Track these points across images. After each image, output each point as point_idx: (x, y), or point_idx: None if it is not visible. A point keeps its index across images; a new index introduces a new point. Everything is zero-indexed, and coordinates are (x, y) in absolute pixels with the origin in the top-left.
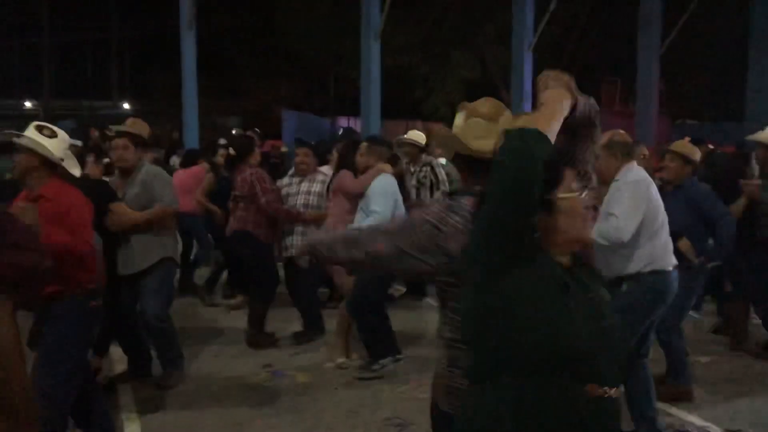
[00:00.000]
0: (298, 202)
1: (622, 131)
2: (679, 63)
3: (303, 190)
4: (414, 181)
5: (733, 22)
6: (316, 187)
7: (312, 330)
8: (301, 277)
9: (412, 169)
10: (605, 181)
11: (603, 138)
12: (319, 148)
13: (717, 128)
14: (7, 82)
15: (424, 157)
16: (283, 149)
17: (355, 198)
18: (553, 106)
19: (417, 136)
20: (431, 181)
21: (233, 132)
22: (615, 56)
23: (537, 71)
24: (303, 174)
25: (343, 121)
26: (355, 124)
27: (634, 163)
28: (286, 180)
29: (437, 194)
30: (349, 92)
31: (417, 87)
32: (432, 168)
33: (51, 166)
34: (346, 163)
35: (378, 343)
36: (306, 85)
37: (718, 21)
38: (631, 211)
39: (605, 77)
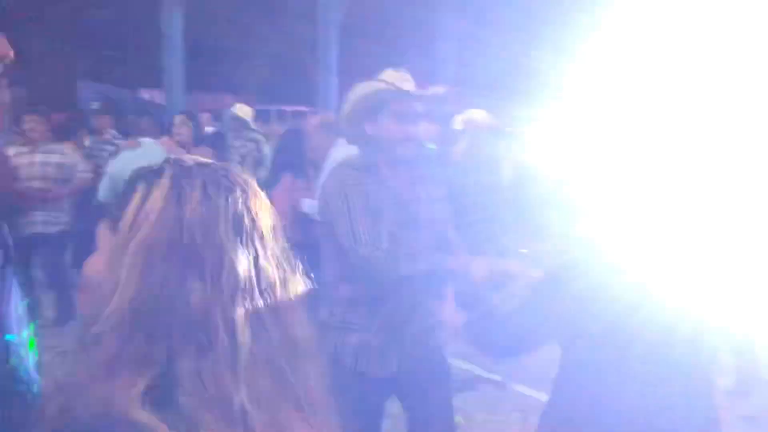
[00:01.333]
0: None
1: None
2: None
3: (37, 161)
4: (237, 157)
5: None
6: (54, 159)
7: None
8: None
9: (237, 144)
10: None
11: None
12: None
13: None
14: None
15: (248, 133)
16: None
17: None
18: None
19: (242, 111)
20: (254, 158)
21: None
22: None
23: (345, 47)
24: (33, 143)
25: (145, 94)
26: (159, 97)
27: None
28: (12, 150)
29: (261, 172)
30: (152, 63)
31: (225, 60)
32: (257, 144)
33: None
34: None
35: None
36: (105, 56)
37: None
38: None
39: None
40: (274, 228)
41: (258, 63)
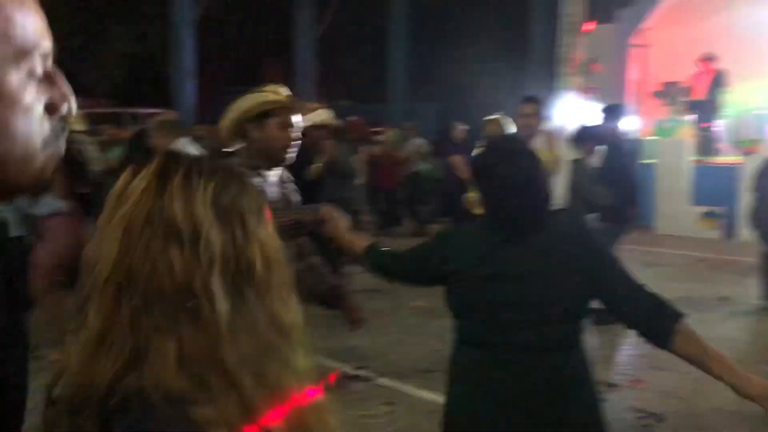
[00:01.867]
0: None
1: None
2: (329, 54)
3: None
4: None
5: (378, 8)
6: None
7: None
8: None
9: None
10: None
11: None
12: None
13: (366, 109)
14: None
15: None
16: None
17: None
18: None
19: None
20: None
21: None
22: (275, 36)
23: (200, 48)
24: None
25: None
26: None
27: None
28: None
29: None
30: None
31: (71, 60)
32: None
33: None
34: None
35: None
36: None
37: (365, 7)
38: None
39: (267, 56)
40: (258, 213)
41: (111, 65)
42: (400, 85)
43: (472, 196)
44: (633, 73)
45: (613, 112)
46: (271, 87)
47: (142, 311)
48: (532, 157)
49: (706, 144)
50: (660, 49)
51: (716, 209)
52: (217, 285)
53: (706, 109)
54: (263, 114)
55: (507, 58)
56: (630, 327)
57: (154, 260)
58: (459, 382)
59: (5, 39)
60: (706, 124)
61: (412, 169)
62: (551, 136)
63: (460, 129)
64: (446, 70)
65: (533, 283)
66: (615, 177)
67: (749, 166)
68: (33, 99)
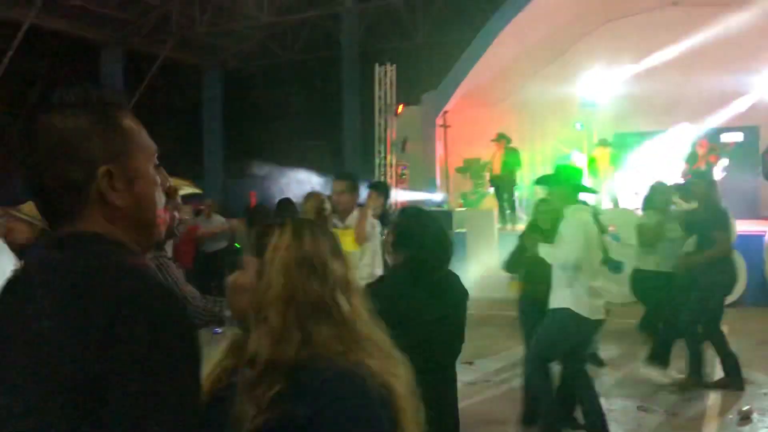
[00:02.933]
0: None
1: None
2: (143, 125)
3: None
4: None
5: (189, 90)
6: None
7: None
8: None
9: None
10: None
11: None
12: None
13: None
14: None
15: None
16: None
17: None
18: None
19: None
20: None
21: None
22: None
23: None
24: None
25: None
26: None
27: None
28: None
29: None
30: None
31: None
32: None
33: None
34: None
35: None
36: None
37: (175, 87)
38: None
39: None
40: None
41: None
42: (216, 161)
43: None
44: (439, 150)
45: (382, 187)
46: None
47: (302, 315)
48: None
49: (506, 213)
50: (461, 129)
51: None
52: (339, 296)
53: (502, 182)
54: None
55: (325, 136)
56: None
57: (303, 284)
58: None
59: (147, 145)
60: (504, 196)
61: (209, 248)
62: (364, 211)
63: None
64: (264, 147)
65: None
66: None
67: None
68: (157, 180)
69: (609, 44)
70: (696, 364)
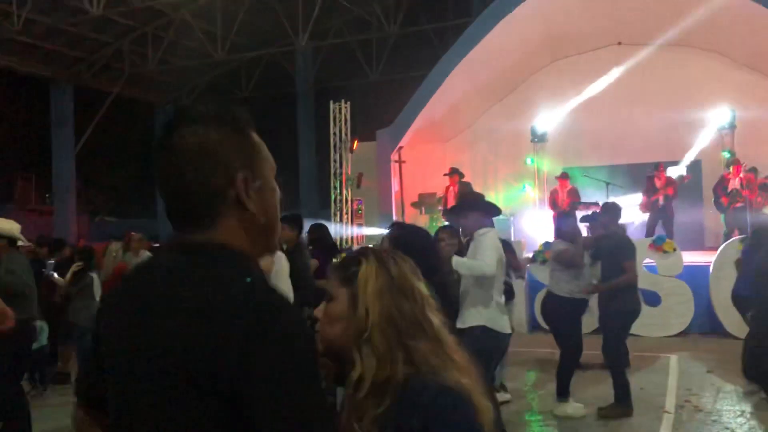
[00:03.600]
0: None
1: None
2: (94, 162)
3: None
4: None
5: (140, 125)
6: None
7: None
8: None
9: None
10: None
11: None
12: None
13: (134, 224)
14: None
15: None
16: None
17: None
18: None
19: None
20: None
21: None
22: (30, 152)
23: None
24: None
25: None
26: None
27: None
28: None
29: None
30: None
31: None
32: None
33: None
34: None
35: None
36: None
37: (127, 124)
38: None
39: (21, 173)
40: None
41: None
42: None
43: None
44: (395, 185)
45: (293, 220)
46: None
47: (402, 335)
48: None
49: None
50: (416, 164)
51: None
52: (429, 312)
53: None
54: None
55: (280, 173)
56: None
57: (398, 307)
58: None
59: (269, 157)
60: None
61: None
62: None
63: None
64: None
65: None
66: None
67: None
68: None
69: (557, 82)
70: (622, 392)
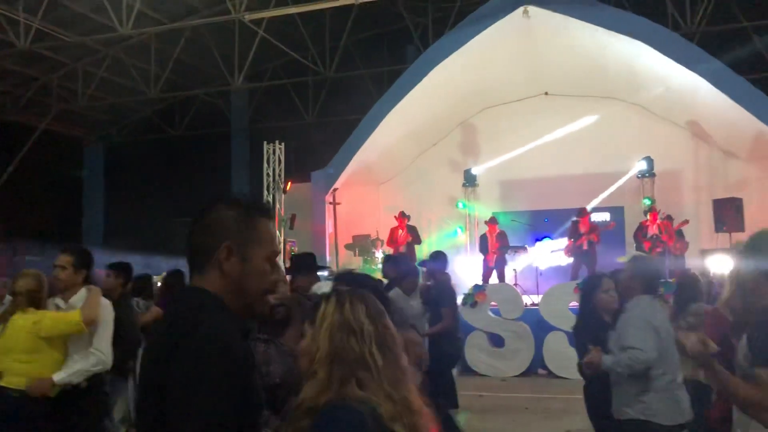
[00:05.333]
0: None
1: None
2: (16, 199)
3: None
4: None
5: (68, 161)
6: None
7: None
8: None
9: None
10: None
11: None
12: None
13: None
14: None
15: None
16: None
17: None
18: None
19: None
20: None
21: None
22: None
23: None
24: None
25: None
26: None
27: None
28: None
29: None
30: None
31: None
32: None
33: None
34: None
35: None
36: None
37: (54, 160)
38: None
39: None
40: (381, 312)
41: None
42: (97, 238)
43: None
44: (329, 227)
45: (122, 269)
46: None
47: (344, 369)
48: None
49: None
50: (350, 206)
51: None
52: (375, 351)
53: (401, 259)
54: None
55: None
56: None
57: (345, 345)
58: None
59: (268, 244)
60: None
61: None
62: (95, 290)
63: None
64: (149, 224)
65: None
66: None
67: None
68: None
69: (488, 128)
70: None
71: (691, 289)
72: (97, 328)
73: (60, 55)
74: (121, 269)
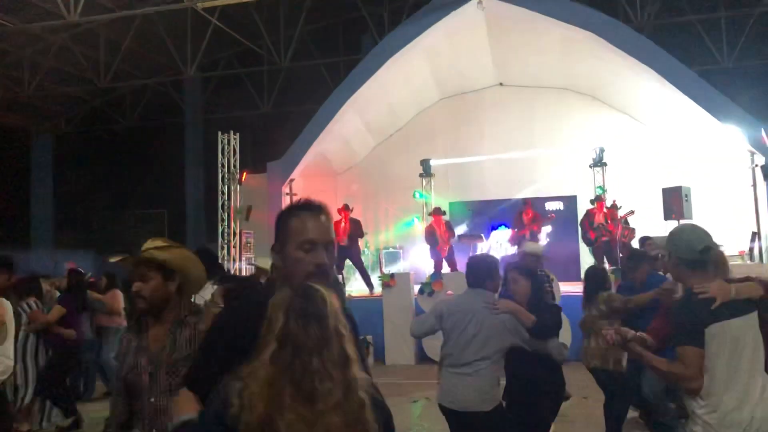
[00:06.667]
0: None
1: None
2: None
3: None
4: None
5: (16, 154)
6: None
7: None
8: None
9: None
10: None
11: None
12: None
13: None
14: None
15: None
16: None
17: None
18: None
19: None
20: None
21: None
22: None
23: None
24: None
25: None
26: None
27: None
28: None
29: None
30: None
31: None
32: None
33: None
34: None
35: None
36: None
37: (1, 154)
38: None
39: None
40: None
41: None
42: (46, 231)
43: None
44: None
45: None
46: None
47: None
48: None
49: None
50: (306, 197)
51: (368, 337)
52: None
53: (346, 251)
54: None
55: (166, 204)
56: None
57: (297, 339)
58: None
59: (299, 235)
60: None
61: None
62: None
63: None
64: (100, 215)
65: None
66: None
67: (386, 299)
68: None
69: (444, 118)
70: None
71: (598, 280)
72: None
73: (4, 42)
74: (3, 264)
